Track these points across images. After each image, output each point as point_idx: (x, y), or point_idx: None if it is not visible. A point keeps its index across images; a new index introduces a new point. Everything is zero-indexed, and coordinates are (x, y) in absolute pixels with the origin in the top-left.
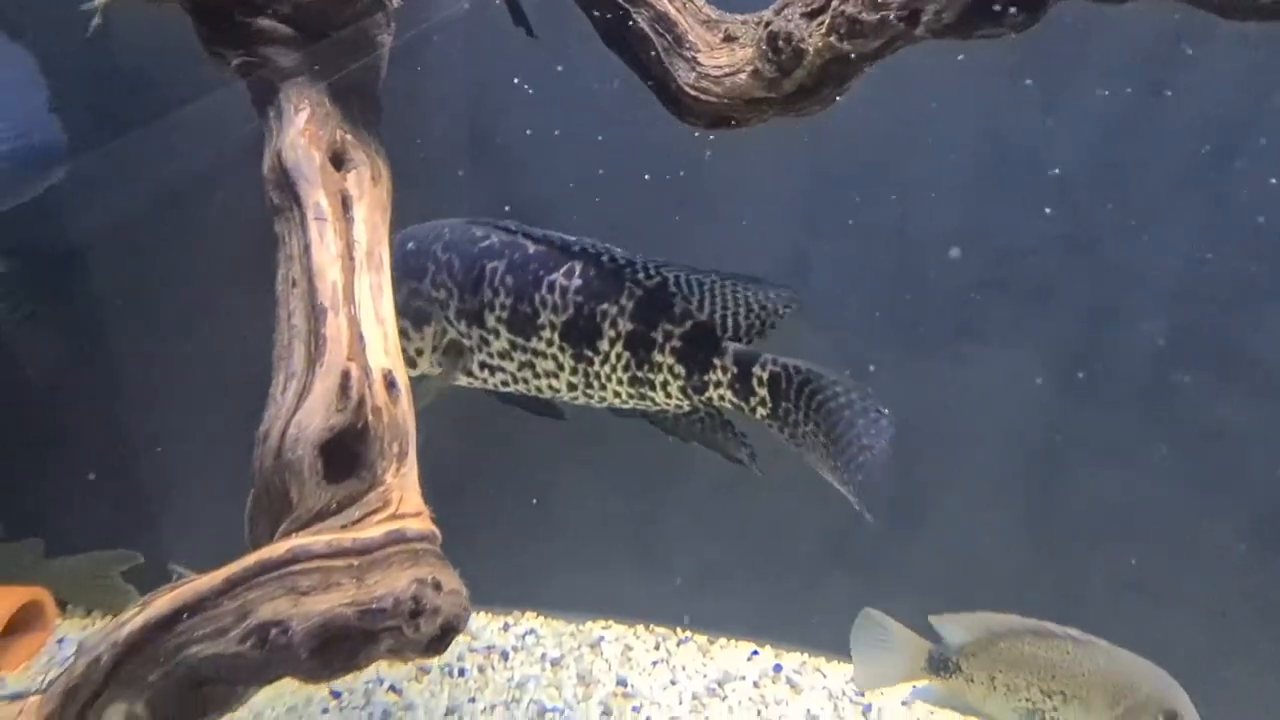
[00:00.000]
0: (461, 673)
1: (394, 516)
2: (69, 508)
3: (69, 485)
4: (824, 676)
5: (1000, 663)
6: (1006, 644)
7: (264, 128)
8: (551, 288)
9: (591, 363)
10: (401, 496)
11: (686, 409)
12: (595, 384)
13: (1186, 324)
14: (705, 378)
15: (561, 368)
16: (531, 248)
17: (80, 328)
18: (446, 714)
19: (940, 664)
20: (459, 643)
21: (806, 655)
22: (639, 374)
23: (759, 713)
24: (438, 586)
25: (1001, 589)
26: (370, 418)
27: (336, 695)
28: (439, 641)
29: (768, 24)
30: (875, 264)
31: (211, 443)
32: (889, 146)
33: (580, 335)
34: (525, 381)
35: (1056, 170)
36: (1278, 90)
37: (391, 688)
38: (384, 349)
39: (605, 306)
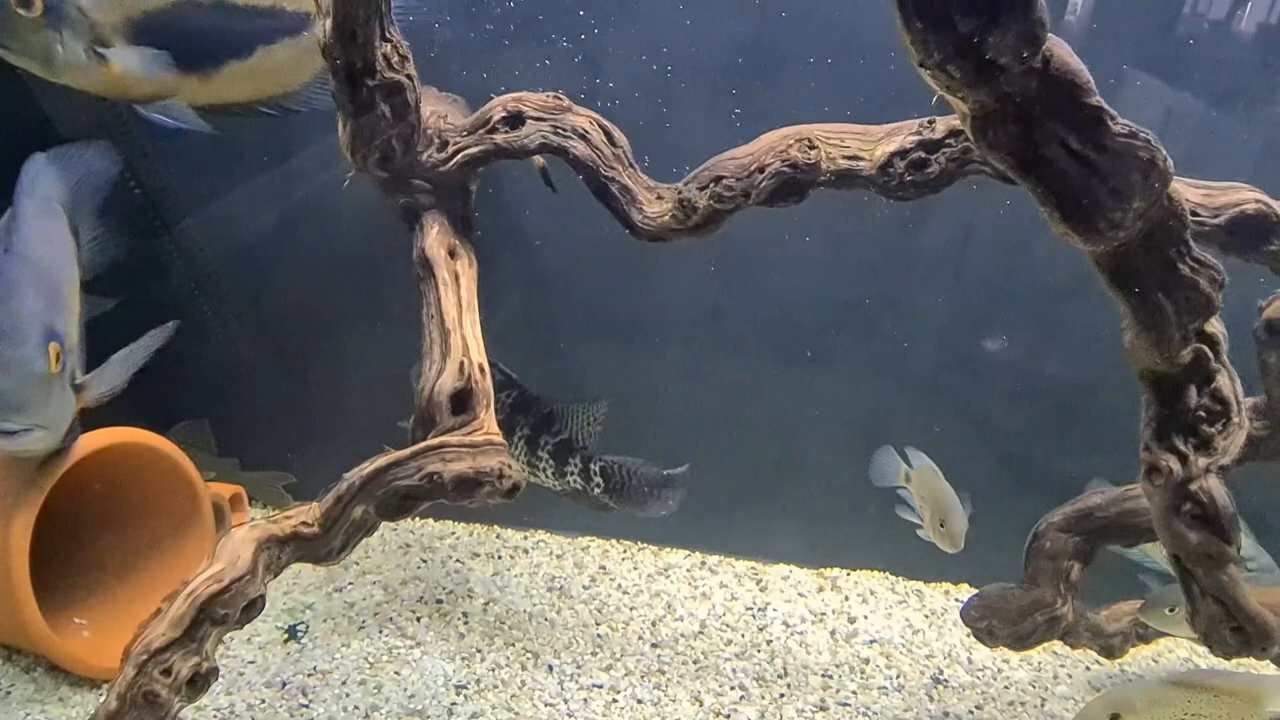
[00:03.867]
0: (500, 558)
1: (487, 433)
2: (255, 440)
3: (255, 427)
4: (733, 566)
5: (915, 484)
6: (918, 472)
7: (413, 235)
8: (496, 400)
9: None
10: (488, 425)
11: (560, 487)
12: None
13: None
14: (565, 469)
15: None
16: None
17: (273, 330)
18: (493, 575)
19: (908, 478)
20: (496, 543)
21: (721, 556)
22: (531, 461)
23: (689, 583)
24: (510, 466)
25: (849, 513)
26: (474, 385)
27: (424, 562)
28: (511, 493)
29: (679, 192)
30: (763, 311)
31: (341, 409)
32: (767, 241)
33: (505, 432)
34: None
35: (871, 253)
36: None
37: (458, 560)
38: (479, 351)
39: (519, 418)
